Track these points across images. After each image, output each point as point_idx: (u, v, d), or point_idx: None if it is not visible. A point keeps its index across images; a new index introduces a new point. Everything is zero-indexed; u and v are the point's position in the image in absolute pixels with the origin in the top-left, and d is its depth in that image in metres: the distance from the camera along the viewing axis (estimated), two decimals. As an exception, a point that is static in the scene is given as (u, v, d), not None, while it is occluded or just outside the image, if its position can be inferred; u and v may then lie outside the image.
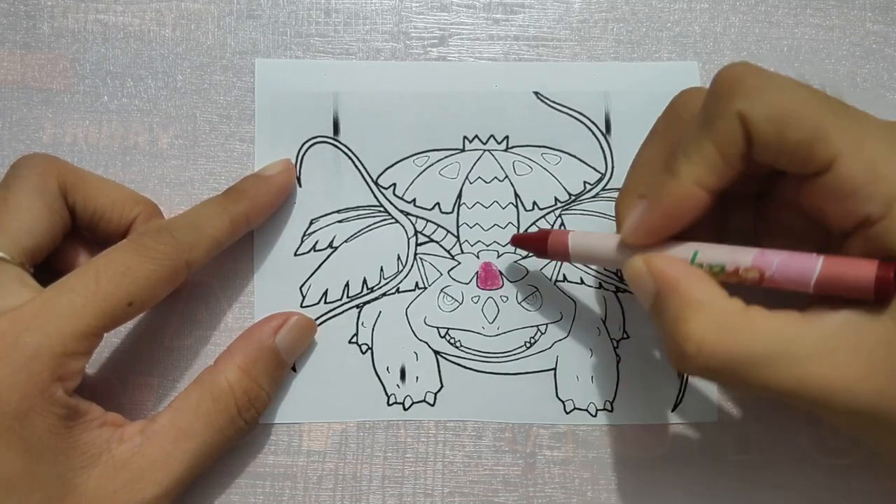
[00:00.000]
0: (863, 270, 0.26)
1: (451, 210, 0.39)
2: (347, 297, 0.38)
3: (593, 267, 0.38)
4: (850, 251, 0.28)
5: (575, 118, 0.39)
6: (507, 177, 0.39)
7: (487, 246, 0.38)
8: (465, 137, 0.39)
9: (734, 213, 0.34)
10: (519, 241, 0.37)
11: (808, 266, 0.27)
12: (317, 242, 0.38)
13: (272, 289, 0.38)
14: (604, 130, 0.39)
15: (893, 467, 0.29)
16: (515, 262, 0.38)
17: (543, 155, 0.39)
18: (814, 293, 0.28)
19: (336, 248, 0.38)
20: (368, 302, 0.38)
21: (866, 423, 0.27)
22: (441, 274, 0.38)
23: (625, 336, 0.38)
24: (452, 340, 0.38)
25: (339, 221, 0.38)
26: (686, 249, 0.30)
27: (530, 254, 0.38)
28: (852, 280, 0.26)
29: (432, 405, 0.37)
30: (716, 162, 0.29)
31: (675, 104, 0.33)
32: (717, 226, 0.34)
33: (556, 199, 0.39)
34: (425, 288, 0.38)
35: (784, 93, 0.28)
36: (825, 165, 0.27)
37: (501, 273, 0.38)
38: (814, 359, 0.26)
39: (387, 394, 0.37)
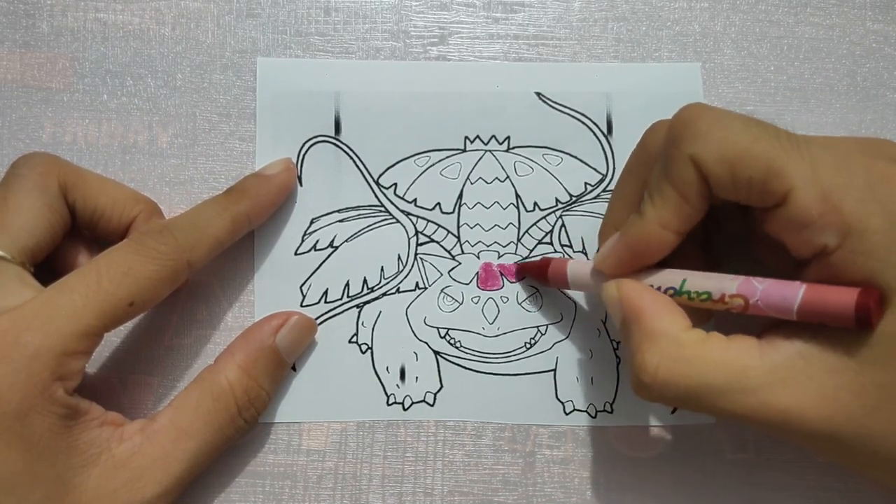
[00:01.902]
0: (844, 298, 0.27)
1: (451, 210, 0.38)
2: (348, 296, 0.38)
3: None
4: (809, 278, 0.28)
5: (576, 119, 0.39)
6: (508, 177, 0.39)
7: (488, 246, 0.38)
8: (466, 138, 0.39)
9: (726, 217, 0.34)
10: (522, 270, 0.38)
11: (791, 294, 0.28)
12: (317, 242, 0.38)
13: (272, 288, 0.38)
14: (605, 131, 0.39)
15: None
16: (516, 262, 0.38)
17: (545, 155, 0.39)
18: (798, 320, 0.28)
19: (336, 247, 0.38)
20: (369, 302, 0.38)
21: (822, 447, 0.28)
22: (441, 274, 0.38)
23: (625, 336, 0.38)
24: (452, 341, 0.38)
25: (340, 221, 0.38)
26: (675, 276, 0.31)
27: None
28: (833, 308, 0.27)
29: (432, 405, 0.37)
30: (678, 204, 0.30)
31: (644, 139, 0.33)
32: (709, 230, 0.34)
33: (557, 200, 0.39)
34: (426, 288, 0.38)
35: (734, 133, 0.28)
36: (781, 199, 0.28)
37: (502, 274, 0.38)
38: (765, 388, 0.27)
39: (386, 394, 0.37)
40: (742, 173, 0.28)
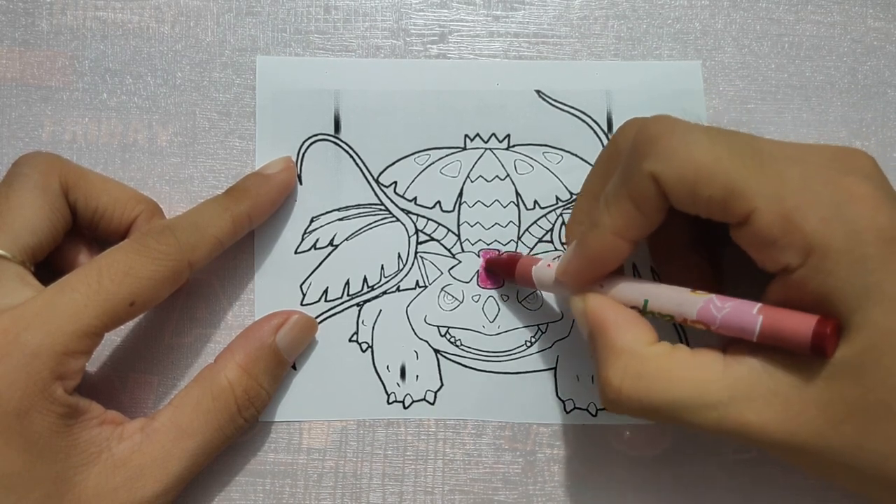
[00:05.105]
0: (801, 328, 0.27)
1: (452, 209, 0.38)
2: (348, 295, 0.38)
3: None
4: (772, 293, 0.29)
5: (577, 117, 0.39)
6: (508, 175, 0.39)
7: (488, 245, 0.38)
8: (466, 136, 0.39)
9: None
10: (490, 264, 0.38)
11: (749, 324, 0.28)
12: (317, 240, 0.38)
13: (272, 287, 0.38)
14: (606, 130, 0.39)
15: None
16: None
17: (545, 154, 0.39)
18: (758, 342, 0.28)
19: (337, 246, 0.38)
20: (369, 300, 0.38)
21: (791, 458, 0.28)
22: (442, 272, 0.38)
23: (625, 335, 0.38)
24: (453, 339, 0.38)
25: (340, 219, 0.38)
26: (638, 294, 0.31)
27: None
28: (791, 335, 0.27)
29: (432, 404, 0.37)
30: (633, 215, 0.30)
31: (615, 137, 0.33)
32: (692, 226, 0.34)
33: (558, 198, 0.39)
34: (426, 286, 0.38)
35: (696, 152, 0.28)
36: (743, 218, 0.28)
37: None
38: (728, 404, 0.28)
39: (387, 392, 0.37)
40: (702, 192, 0.28)
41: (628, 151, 0.30)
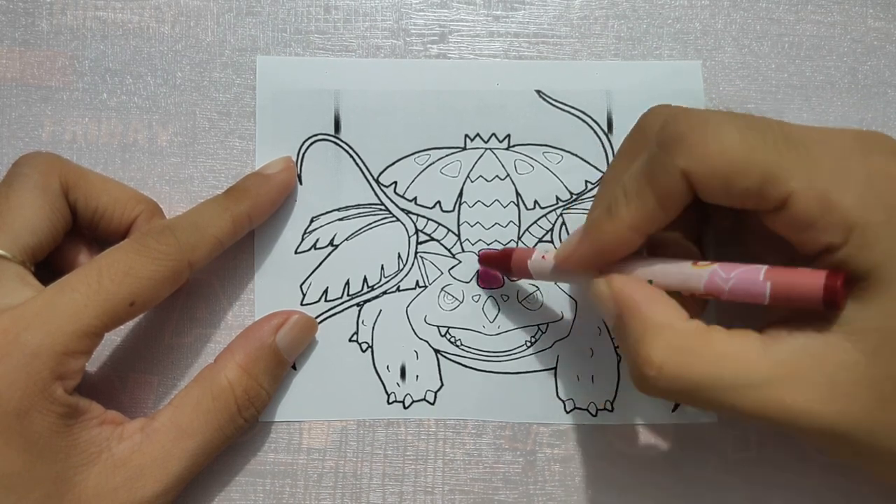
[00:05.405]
0: (812, 283, 0.27)
1: (452, 209, 0.38)
2: (348, 295, 0.38)
3: None
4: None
5: (577, 117, 0.39)
6: (508, 175, 0.39)
7: (488, 245, 0.38)
8: (466, 136, 0.39)
9: (717, 214, 0.34)
10: (485, 259, 0.38)
11: (759, 288, 0.28)
12: (317, 240, 0.38)
13: (272, 287, 0.38)
14: (606, 129, 0.39)
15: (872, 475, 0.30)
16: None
17: (545, 154, 0.39)
18: (770, 306, 0.28)
19: (337, 246, 0.38)
20: (369, 300, 0.38)
21: (831, 444, 0.28)
22: (442, 272, 0.38)
23: (625, 335, 0.38)
24: (453, 339, 0.38)
25: (340, 219, 0.38)
26: (641, 274, 0.30)
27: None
28: (803, 293, 0.27)
29: (432, 404, 0.37)
30: (654, 211, 0.29)
31: (641, 123, 0.33)
32: (700, 222, 0.34)
33: (558, 198, 0.39)
34: (426, 286, 0.38)
35: (728, 144, 0.28)
36: (780, 203, 0.27)
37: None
38: (773, 383, 0.27)
39: (387, 392, 0.37)
40: (738, 185, 0.28)
41: (654, 146, 0.29)
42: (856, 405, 0.26)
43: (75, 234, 0.35)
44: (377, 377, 0.38)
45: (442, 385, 0.38)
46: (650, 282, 0.30)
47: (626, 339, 0.30)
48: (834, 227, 0.27)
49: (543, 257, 0.34)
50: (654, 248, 0.35)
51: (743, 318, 0.30)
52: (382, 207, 0.38)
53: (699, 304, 0.32)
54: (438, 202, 0.38)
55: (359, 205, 0.38)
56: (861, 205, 0.27)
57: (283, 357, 0.36)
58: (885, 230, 0.26)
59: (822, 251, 0.28)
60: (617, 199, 0.30)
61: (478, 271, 0.38)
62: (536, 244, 0.38)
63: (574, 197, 0.39)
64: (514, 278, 0.38)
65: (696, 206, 0.30)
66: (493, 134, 0.39)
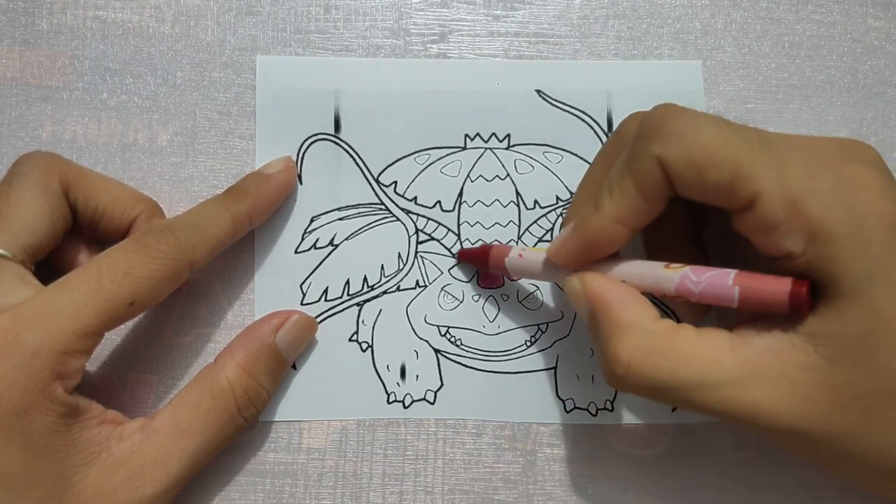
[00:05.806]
0: (778, 290, 0.27)
1: (452, 208, 0.38)
2: (348, 294, 0.38)
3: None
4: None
5: (577, 117, 0.39)
6: (508, 175, 0.39)
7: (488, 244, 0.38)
8: (466, 135, 0.39)
9: (714, 212, 0.34)
10: (463, 256, 0.38)
11: (727, 292, 0.28)
12: (317, 240, 0.38)
13: (273, 286, 0.38)
14: (606, 129, 0.39)
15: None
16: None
17: (545, 153, 0.39)
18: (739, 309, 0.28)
19: (337, 245, 0.38)
20: (369, 300, 0.38)
21: (791, 444, 0.28)
22: (442, 272, 0.38)
23: (625, 334, 0.38)
24: (453, 339, 0.38)
25: (340, 219, 0.38)
26: (614, 274, 0.31)
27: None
28: (769, 299, 0.27)
29: (432, 404, 0.37)
30: (636, 201, 0.30)
31: (619, 129, 0.33)
32: (688, 221, 0.34)
33: (558, 198, 0.39)
34: (426, 286, 0.38)
35: (703, 136, 0.28)
36: (748, 203, 0.28)
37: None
38: (737, 384, 0.27)
39: (387, 392, 0.37)
40: (709, 177, 0.28)
41: (633, 138, 0.30)
42: (814, 408, 0.27)
43: (75, 233, 0.35)
44: (377, 377, 0.38)
45: (442, 385, 0.38)
46: (623, 283, 0.31)
47: (597, 336, 0.31)
48: (797, 234, 0.27)
49: (521, 255, 0.34)
50: (652, 248, 0.35)
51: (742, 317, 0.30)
52: (382, 207, 0.38)
53: (702, 308, 0.32)
54: (438, 202, 0.38)
55: (359, 204, 0.38)
56: (827, 213, 0.27)
57: (283, 357, 0.36)
58: (848, 242, 0.26)
59: (782, 257, 0.28)
60: (602, 193, 0.30)
61: (478, 271, 0.38)
62: (536, 244, 0.38)
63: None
64: (515, 278, 0.38)
65: (695, 207, 0.30)
66: (493, 134, 0.39)
